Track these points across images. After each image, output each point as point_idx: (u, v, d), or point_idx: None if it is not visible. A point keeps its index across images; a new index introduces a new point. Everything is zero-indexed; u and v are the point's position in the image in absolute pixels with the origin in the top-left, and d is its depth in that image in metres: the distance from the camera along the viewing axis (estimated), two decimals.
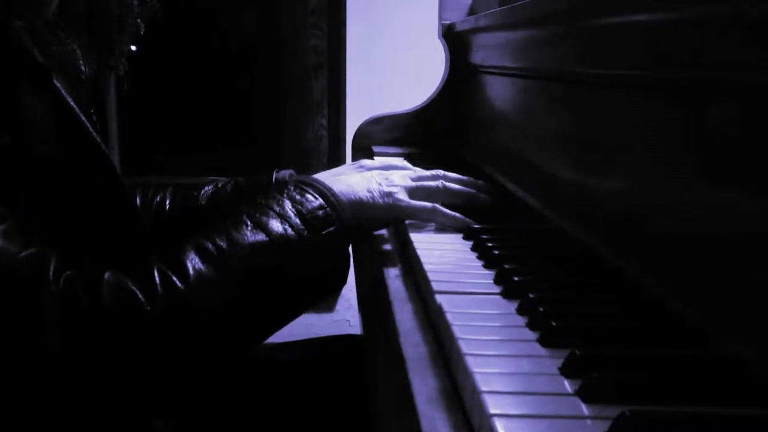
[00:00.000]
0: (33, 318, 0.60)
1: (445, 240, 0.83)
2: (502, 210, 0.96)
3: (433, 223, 0.88)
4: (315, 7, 2.32)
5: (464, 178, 0.96)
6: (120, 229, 0.77)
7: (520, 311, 0.61)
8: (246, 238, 0.70)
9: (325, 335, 1.09)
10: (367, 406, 0.59)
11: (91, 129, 0.73)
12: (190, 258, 0.67)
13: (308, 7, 2.32)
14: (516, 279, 0.66)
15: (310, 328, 1.88)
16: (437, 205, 0.87)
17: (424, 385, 0.52)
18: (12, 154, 0.65)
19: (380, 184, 0.84)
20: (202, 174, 1.33)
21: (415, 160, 1.26)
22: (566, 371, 0.49)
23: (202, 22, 2.51)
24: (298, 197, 0.75)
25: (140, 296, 0.63)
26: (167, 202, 1.02)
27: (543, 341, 0.54)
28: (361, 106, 2.16)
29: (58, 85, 0.71)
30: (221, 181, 1.05)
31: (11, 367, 0.61)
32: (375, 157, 1.36)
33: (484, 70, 1.32)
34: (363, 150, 1.51)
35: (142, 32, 0.86)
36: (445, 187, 0.91)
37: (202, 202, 1.02)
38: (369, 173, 0.88)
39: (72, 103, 0.71)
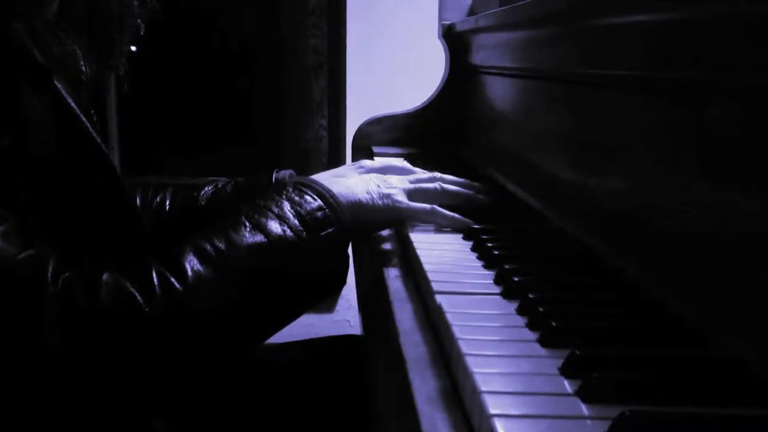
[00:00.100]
0: (32, 319, 0.60)
1: (445, 240, 0.83)
2: (502, 210, 0.96)
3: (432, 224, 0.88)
4: (315, 7, 2.32)
5: (461, 180, 0.96)
6: (120, 230, 0.77)
7: (520, 311, 0.61)
8: (245, 239, 0.70)
9: (326, 335, 1.09)
10: (367, 406, 0.59)
11: (91, 129, 0.73)
12: (189, 259, 0.67)
13: (308, 7, 2.32)
14: (516, 279, 0.66)
15: (310, 328, 1.88)
16: (436, 206, 0.87)
17: (424, 385, 0.52)
18: (12, 154, 0.65)
19: (379, 186, 0.85)
20: (202, 174, 1.33)
21: (415, 160, 1.26)
22: (566, 371, 0.49)
23: (202, 22, 2.51)
24: (296, 198, 0.75)
25: (139, 297, 0.63)
26: (167, 203, 1.02)
27: (543, 341, 0.54)
28: (361, 107, 2.16)
29: (59, 85, 0.71)
30: (221, 181, 1.05)
31: (10, 368, 0.61)
32: (375, 158, 1.36)
33: (484, 70, 1.32)
34: (363, 150, 1.51)
35: (142, 32, 0.86)
36: (443, 188, 0.92)
37: (202, 203, 1.02)
38: (367, 176, 0.88)
39: (72, 104, 0.71)
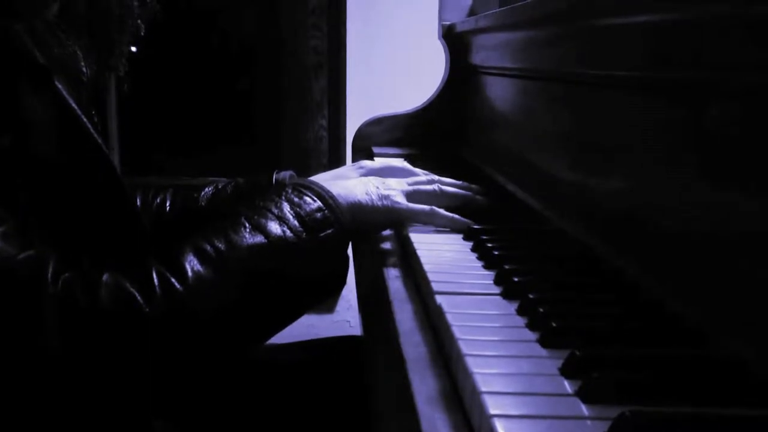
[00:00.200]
0: (32, 320, 0.60)
1: (445, 240, 0.83)
2: (502, 210, 0.96)
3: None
4: (315, 7, 2.32)
5: (459, 182, 0.97)
6: (120, 230, 0.77)
7: (520, 312, 0.61)
8: (244, 240, 0.70)
9: (326, 336, 1.09)
10: (368, 406, 0.59)
11: (92, 130, 0.73)
12: (189, 260, 0.67)
13: (308, 7, 2.32)
14: (516, 279, 0.66)
15: (310, 329, 1.88)
16: (435, 207, 0.87)
17: (424, 386, 0.52)
18: (12, 154, 0.65)
19: (378, 188, 0.85)
20: (202, 174, 1.33)
21: (415, 161, 1.26)
22: (566, 372, 0.49)
23: (202, 22, 2.51)
24: (296, 199, 0.75)
25: (139, 298, 0.63)
26: (167, 203, 1.02)
27: (543, 342, 0.54)
28: (361, 107, 2.16)
29: (60, 86, 0.71)
30: (221, 182, 1.05)
31: (10, 369, 0.61)
32: (375, 158, 1.36)
33: (484, 70, 1.32)
34: (363, 151, 1.51)
35: (142, 33, 0.86)
36: (441, 190, 0.92)
37: (203, 204, 1.02)
38: (366, 178, 0.88)
39: (73, 104, 0.71)
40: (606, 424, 0.41)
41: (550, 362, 0.51)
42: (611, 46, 0.75)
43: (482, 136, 1.33)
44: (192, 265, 0.67)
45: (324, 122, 2.39)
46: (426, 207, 0.87)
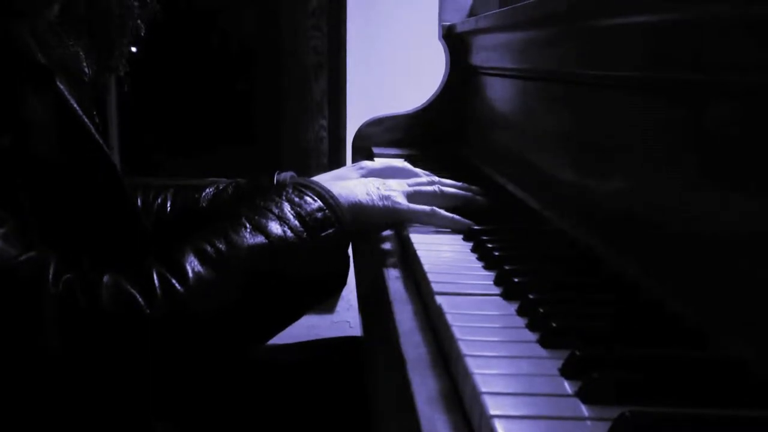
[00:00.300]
0: (33, 321, 0.60)
1: (446, 241, 0.83)
2: (502, 211, 0.96)
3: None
4: (315, 8, 2.32)
5: (459, 183, 0.97)
6: (120, 230, 0.77)
7: (520, 312, 0.61)
8: (245, 240, 0.70)
9: (326, 336, 1.09)
10: (368, 406, 0.59)
11: (93, 130, 0.73)
12: (190, 261, 0.67)
13: (308, 7, 2.32)
14: (516, 280, 0.66)
15: (310, 329, 1.88)
16: (435, 208, 0.87)
17: (423, 386, 0.52)
18: (13, 155, 0.65)
19: (378, 188, 0.85)
20: (202, 174, 1.33)
21: (415, 161, 1.26)
22: (566, 372, 0.49)
23: (202, 22, 2.51)
24: (296, 199, 0.75)
25: (140, 299, 0.63)
26: (168, 204, 1.02)
27: (543, 342, 0.54)
28: (361, 107, 2.16)
29: (61, 87, 0.71)
30: (222, 182, 1.05)
31: (11, 370, 0.61)
32: (375, 159, 1.36)
33: (484, 71, 1.32)
34: (363, 151, 1.51)
35: (142, 33, 0.86)
36: (441, 191, 0.92)
37: (203, 204, 1.02)
38: (366, 179, 0.88)
39: (75, 105, 0.71)
40: (606, 425, 0.41)
41: (550, 363, 0.51)
42: (611, 46, 0.75)
43: (482, 136, 1.33)
44: (192, 265, 0.67)
45: (324, 122, 2.39)
46: (426, 207, 0.87)
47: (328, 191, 0.78)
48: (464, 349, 0.52)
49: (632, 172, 0.69)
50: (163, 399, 0.67)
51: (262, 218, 0.72)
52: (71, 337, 0.61)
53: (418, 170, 1.01)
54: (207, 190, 1.04)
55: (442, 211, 0.87)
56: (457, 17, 1.51)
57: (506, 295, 0.65)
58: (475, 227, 0.85)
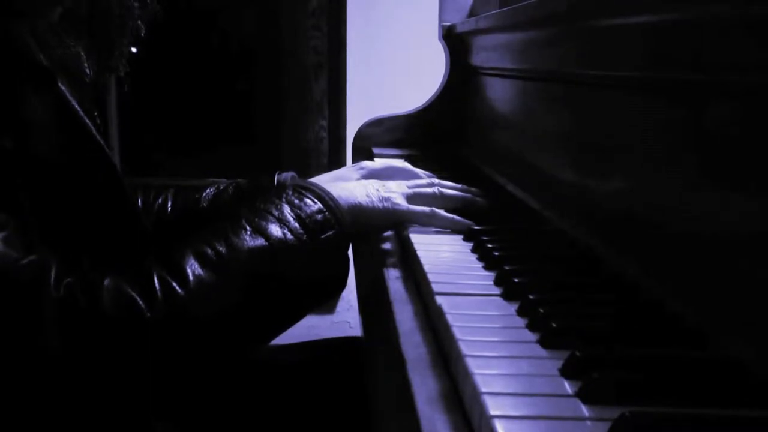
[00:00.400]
0: (34, 324, 0.60)
1: (446, 241, 0.83)
2: (502, 211, 0.96)
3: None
4: (315, 8, 2.32)
5: (458, 185, 0.97)
6: (121, 231, 0.77)
7: (521, 312, 0.61)
8: (245, 242, 0.70)
9: (326, 337, 1.09)
10: (368, 406, 0.59)
11: (94, 131, 0.73)
12: (190, 263, 0.67)
13: (308, 7, 2.32)
14: (516, 280, 0.66)
15: (310, 329, 1.88)
16: (435, 209, 0.87)
17: (424, 386, 0.52)
18: (13, 156, 0.65)
19: (378, 190, 0.85)
20: (202, 174, 1.33)
21: (415, 161, 1.26)
22: (566, 372, 0.49)
23: (202, 22, 2.52)
24: (296, 201, 0.75)
25: (140, 302, 0.63)
26: (169, 204, 1.02)
27: (543, 342, 0.54)
28: (361, 107, 2.16)
29: (62, 87, 0.71)
30: (223, 183, 1.05)
31: (12, 373, 0.61)
32: (375, 159, 1.36)
33: (484, 71, 1.32)
34: (363, 151, 1.51)
35: (142, 34, 0.86)
36: (441, 192, 0.92)
37: (204, 205, 1.02)
38: (366, 180, 0.88)
39: (76, 106, 0.71)
40: (606, 425, 0.41)
41: (551, 363, 0.51)
42: (611, 46, 0.75)
43: (482, 136, 1.33)
44: (193, 268, 0.67)
45: (324, 123, 2.39)
46: (426, 209, 0.87)
47: (328, 193, 0.78)
48: (464, 349, 0.52)
49: (632, 172, 0.69)
50: (163, 400, 0.67)
51: (263, 220, 0.72)
52: (72, 339, 0.61)
53: (418, 170, 1.01)
54: (207, 190, 1.04)
55: (442, 212, 0.87)
56: (457, 17, 1.51)
57: (506, 296, 0.65)
58: (475, 227, 0.85)
